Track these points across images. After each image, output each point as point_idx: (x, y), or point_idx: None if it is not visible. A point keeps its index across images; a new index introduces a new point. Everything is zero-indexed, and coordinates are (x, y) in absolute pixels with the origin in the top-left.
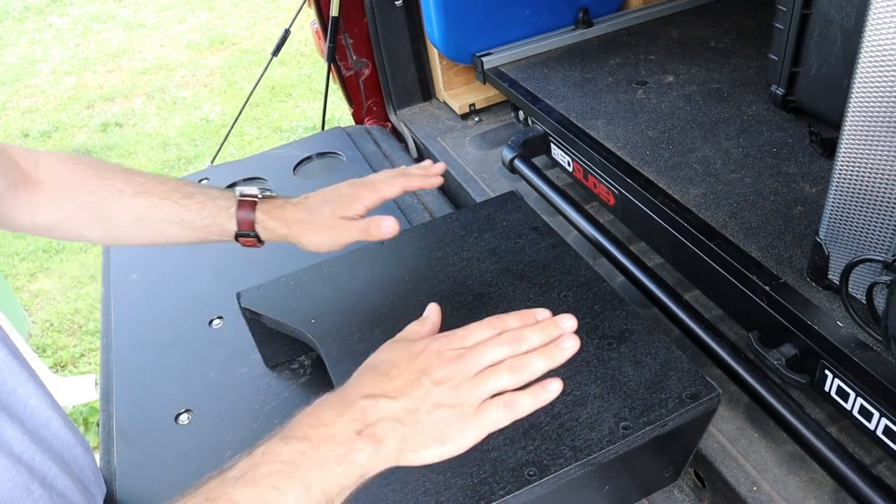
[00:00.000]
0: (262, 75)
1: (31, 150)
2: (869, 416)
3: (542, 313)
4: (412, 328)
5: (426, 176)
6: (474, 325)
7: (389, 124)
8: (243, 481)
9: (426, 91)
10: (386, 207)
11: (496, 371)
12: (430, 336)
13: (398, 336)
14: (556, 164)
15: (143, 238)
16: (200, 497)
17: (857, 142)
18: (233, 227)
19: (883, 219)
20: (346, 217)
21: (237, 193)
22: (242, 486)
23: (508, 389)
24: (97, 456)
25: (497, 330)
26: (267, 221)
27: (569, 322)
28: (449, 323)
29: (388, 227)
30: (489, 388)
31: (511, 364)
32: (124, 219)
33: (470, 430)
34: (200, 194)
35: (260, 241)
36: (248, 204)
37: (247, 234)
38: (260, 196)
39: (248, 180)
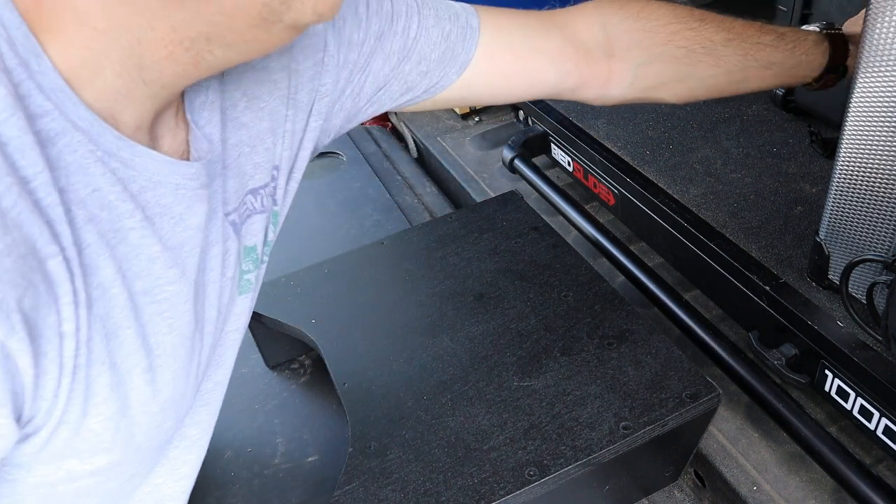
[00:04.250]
0: None
1: (596, 16)
2: (869, 416)
3: None
4: None
5: None
6: None
7: (389, 124)
8: None
9: None
10: (386, 208)
11: None
12: None
13: None
14: (556, 163)
15: (702, 91)
16: None
17: (857, 142)
18: (821, 64)
19: (883, 219)
20: None
21: (811, 28)
22: None
23: None
24: None
25: None
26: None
27: None
28: (449, 323)
29: None
30: None
31: None
32: (711, 70)
33: None
34: (791, 33)
35: (840, 78)
36: (837, 37)
37: (835, 69)
38: (834, 29)
39: None
